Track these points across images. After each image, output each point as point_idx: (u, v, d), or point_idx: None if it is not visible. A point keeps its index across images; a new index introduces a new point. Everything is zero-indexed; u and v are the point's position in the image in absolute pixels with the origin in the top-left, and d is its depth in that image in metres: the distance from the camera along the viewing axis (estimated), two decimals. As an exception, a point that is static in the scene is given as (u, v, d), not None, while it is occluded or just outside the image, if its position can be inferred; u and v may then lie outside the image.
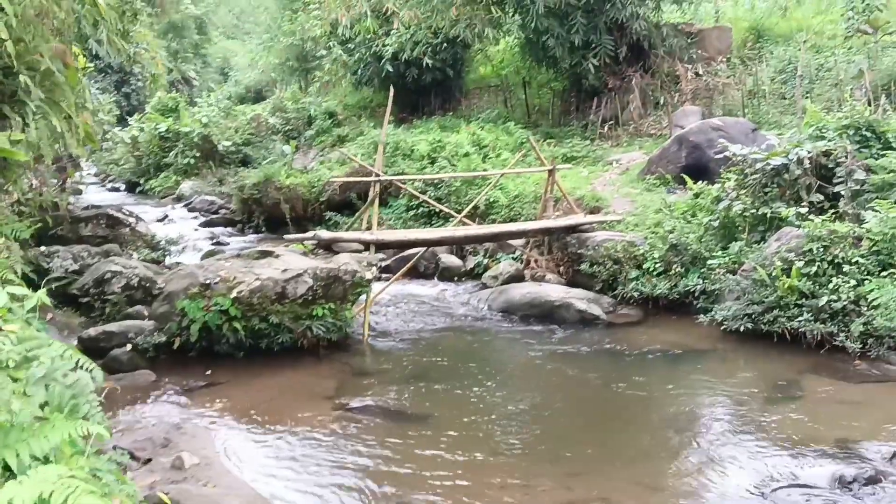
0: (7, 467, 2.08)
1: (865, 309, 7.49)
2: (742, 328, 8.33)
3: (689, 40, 17.66)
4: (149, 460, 5.73)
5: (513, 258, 12.02)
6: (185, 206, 18.81)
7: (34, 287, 4.30)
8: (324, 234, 10.02)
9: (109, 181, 25.23)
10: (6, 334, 2.46)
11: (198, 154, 21.15)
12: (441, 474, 5.58)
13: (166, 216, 17.31)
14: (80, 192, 19.65)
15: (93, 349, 8.15)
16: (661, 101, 16.79)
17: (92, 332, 8.39)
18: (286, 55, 26.98)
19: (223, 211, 17.55)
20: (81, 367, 2.86)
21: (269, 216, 15.85)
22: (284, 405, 7.20)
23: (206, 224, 16.64)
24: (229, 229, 16.32)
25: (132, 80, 33.59)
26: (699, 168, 12.21)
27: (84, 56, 11.11)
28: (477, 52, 21.71)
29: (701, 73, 17.11)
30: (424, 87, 19.81)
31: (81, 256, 10.09)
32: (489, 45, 21.88)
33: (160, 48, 18.22)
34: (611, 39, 16.56)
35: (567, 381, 7.98)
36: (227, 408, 7.06)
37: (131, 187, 23.25)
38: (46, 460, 2.52)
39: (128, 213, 13.16)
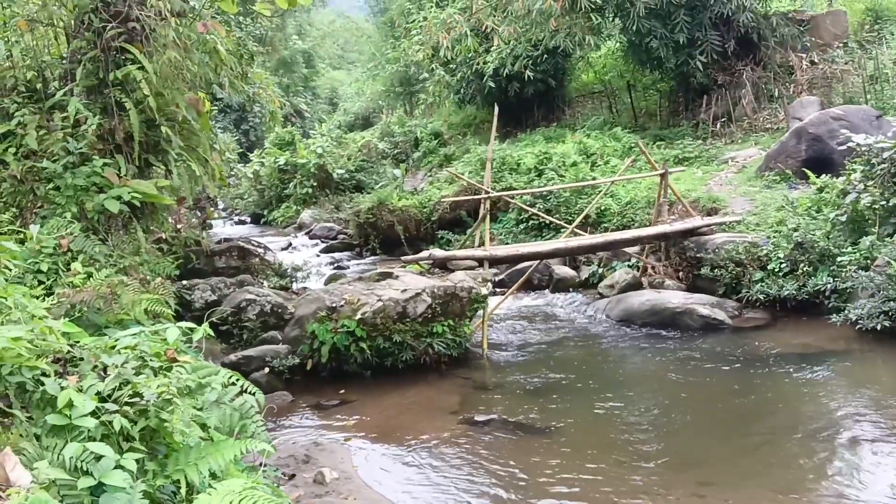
0: (189, 483, 2.38)
1: None
2: (879, 327, 7.94)
3: (800, 28, 16.93)
4: (293, 476, 6.11)
5: (628, 266, 11.91)
6: (306, 233, 19.69)
7: (180, 318, 4.75)
8: (438, 253, 10.31)
9: (236, 214, 26.72)
10: (182, 364, 2.80)
11: (314, 183, 22.11)
12: (569, 484, 5.65)
13: (290, 244, 18.18)
14: (211, 227, 20.95)
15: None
16: (776, 94, 16.17)
17: (233, 357, 8.94)
18: (390, 81, 27.83)
19: (341, 236, 18.25)
20: (246, 391, 3.17)
21: (385, 238, 16.38)
22: (412, 420, 7.45)
23: (326, 250, 17.37)
24: (348, 253, 16.97)
25: (250, 118, 35.43)
26: (821, 161, 11.71)
27: (207, 99, 11.97)
28: (578, 60, 21.64)
29: (816, 61, 16.35)
30: (527, 99, 19.93)
31: (218, 288, 10.79)
32: (590, 52, 21.76)
33: (273, 84, 19.25)
34: (717, 35, 16.14)
35: (694, 389, 7.85)
36: (360, 424, 7.39)
37: (256, 219, 24.54)
38: (214, 476, 2.82)
39: (256, 244, 13.95)
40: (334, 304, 8.84)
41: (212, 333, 3.43)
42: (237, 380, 3.19)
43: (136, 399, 2.53)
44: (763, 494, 5.23)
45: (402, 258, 10.56)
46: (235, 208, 26.76)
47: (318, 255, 16.72)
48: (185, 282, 10.44)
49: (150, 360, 2.78)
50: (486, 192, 10.47)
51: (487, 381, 8.66)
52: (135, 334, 2.88)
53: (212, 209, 12.55)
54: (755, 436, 6.47)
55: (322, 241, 18.38)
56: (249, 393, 3.19)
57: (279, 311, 9.80)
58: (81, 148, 6.06)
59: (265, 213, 23.74)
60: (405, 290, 8.95)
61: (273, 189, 23.48)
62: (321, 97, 46.40)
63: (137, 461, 2.37)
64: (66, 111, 6.23)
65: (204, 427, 3.08)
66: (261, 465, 5.89)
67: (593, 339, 9.80)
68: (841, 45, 16.56)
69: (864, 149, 9.40)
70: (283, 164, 23.06)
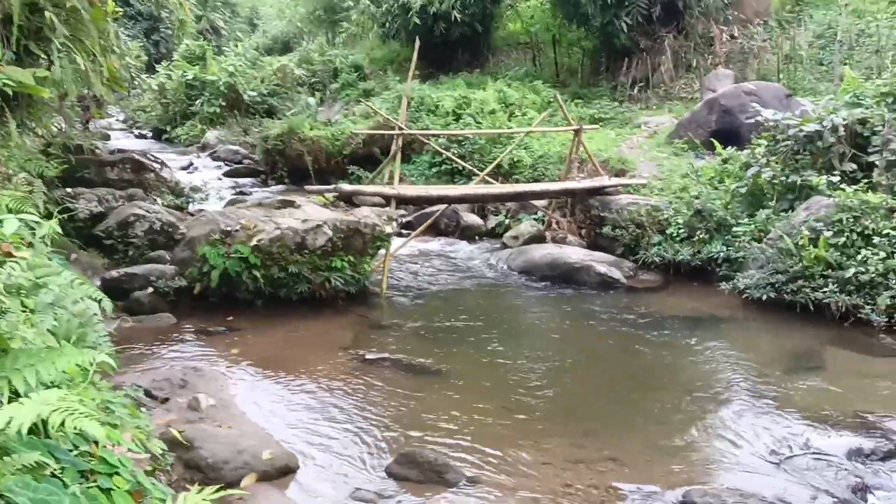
0: (16, 392, 2.10)
1: (894, 282, 7.31)
2: (765, 297, 8.20)
3: (725, 1, 17.15)
4: (166, 399, 5.81)
5: (534, 219, 11.92)
6: (210, 154, 18.82)
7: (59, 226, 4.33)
8: (345, 186, 10.00)
9: (136, 128, 25.31)
10: (17, 260, 2.46)
11: (223, 103, 21.11)
12: (453, 427, 5.60)
13: (191, 164, 17.34)
14: (107, 138, 19.78)
15: (115, 290, 8.23)
16: (694, 64, 16.40)
17: (115, 273, 8.50)
18: (314, 5, 26.71)
19: (247, 161, 17.52)
20: (91, 298, 2.86)
21: (292, 168, 15.81)
22: (301, 353, 7.25)
23: (229, 173, 16.66)
24: (252, 179, 16.33)
25: (161, 28, 33.40)
26: (730, 133, 11.96)
27: (113, 0, 11.04)
28: (507, 8, 21.30)
29: (736, 35, 16.64)
30: (452, 42, 19.49)
31: (106, 199, 10.16)
32: (519, 1, 21.46)
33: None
34: (645, -2, 16.15)
35: (585, 343, 7.96)
36: (245, 353, 7.13)
37: (158, 134, 23.31)
38: (56, 387, 2.53)
39: (153, 158, 13.20)
40: (229, 228, 8.43)
41: (59, 231, 3.08)
42: (81, 283, 2.87)
43: (-45, 293, 2.21)
44: (640, 448, 5.33)
45: (307, 188, 10.17)
46: (137, 121, 25.35)
47: (220, 179, 16.02)
48: (69, 189, 9.76)
49: (-20, 252, 2.44)
50: (400, 129, 10.17)
51: (383, 321, 8.51)
52: (-32, 224, 2.52)
53: (98, 111, 11.69)
54: (640, 392, 6.60)
55: (226, 164, 17.62)
56: (95, 300, 2.88)
57: (170, 230, 9.33)
58: (-52, 24, 5.39)
59: (168, 129, 22.54)
60: (306, 221, 8.62)
61: (178, 104, 22.28)
62: (240, 16, 44.15)
63: (-49, 365, 2.08)
64: (-67, -20, 5.52)
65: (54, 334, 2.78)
66: (132, 385, 5.58)
67: (493, 287, 9.79)
68: (761, 22, 16.90)
69: (771, 124, 9.61)
70: (191, 79, 21.87)
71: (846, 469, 4.78)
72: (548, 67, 19.63)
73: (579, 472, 4.88)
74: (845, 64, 13.65)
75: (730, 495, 4.35)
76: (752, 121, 10.60)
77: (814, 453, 5.01)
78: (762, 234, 8.88)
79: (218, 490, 2.92)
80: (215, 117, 21.06)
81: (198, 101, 21.60)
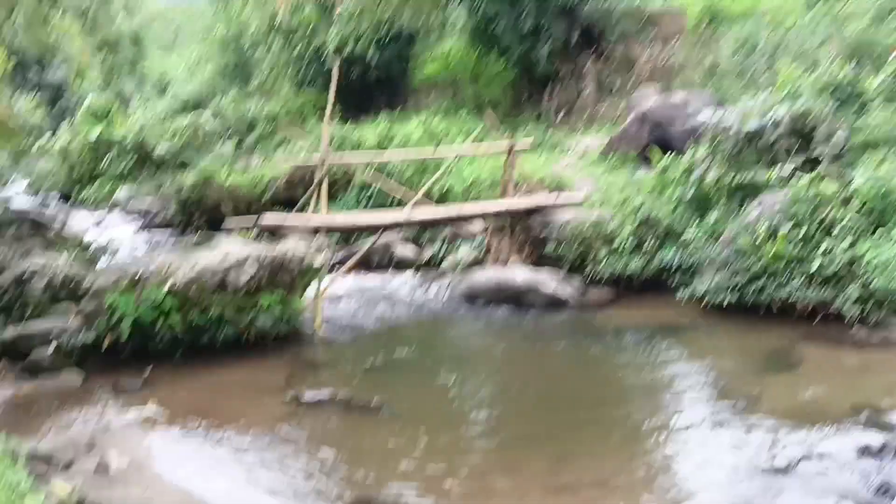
0: None
1: (861, 271, 6.94)
2: (725, 302, 7.75)
3: (641, 22, 17.25)
4: (70, 464, 4.89)
5: (473, 245, 11.28)
6: (122, 211, 17.71)
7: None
8: (268, 217, 9.16)
9: (43, 192, 23.85)
10: None
11: (134, 159, 19.98)
12: (412, 465, 4.86)
13: (101, 221, 16.21)
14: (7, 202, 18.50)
15: (12, 352, 7.37)
16: (617, 85, 16.35)
17: (9, 333, 7.47)
18: (225, 62, 26.10)
19: (162, 215, 16.45)
20: None
21: (210, 217, 14.82)
22: (229, 402, 6.42)
23: (145, 227, 15.60)
24: (170, 230, 15.29)
25: (66, 95, 32.21)
26: (662, 145, 11.69)
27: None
28: (423, 51, 21.09)
29: (657, 54, 16.70)
30: (369, 85, 19.13)
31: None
32: (435, 44, 21.25)
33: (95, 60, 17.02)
34: (561, 25, 16.07)
35: (540, 366, 7.36)
36: (165, 409, 6.21)
37: (65, 198, 21.92)
38: None
39: (53, 217, 12.19)
40: (140, 273, 7.51)
41: None
42: None
43: None
44: (622, 469, 4.78)
45: (227, 221, 9.30)
46: (41, 186, 23.89)
47: (134, 234, 14.93)
48: (-44, 249, 8.69)
49: None
50: (323, 160, 9.44)
51: (319, 360, 7.76)
52: None
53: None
54: (610, 410, 6.01)
55: (140, 219, 16.53)
56: None
57: (73, 284, 8.32)
58: None
59: (75, 191, 21.19)
60: (226, 257, 7.76)
61: (84, 165, 20.94)
62: (149, 81, 42.94)
63: None
64: None
65: None
66: (27, 451, 4.64)
67: (435, 317, 9.12)
68: (680, 39, 16.98)
69: (712, 125, 9.33)
70: (97, 137, 20.65)
71: (859, 469, 4.22)
72: (469, 102, 19.34)
73: (565, 502, 4.18)
74: (766, 73, 13.71)
75: (745, 510, 3.73)
76: (685, 128, 10.37)
77: (820, 455, 4.43)
78: (714, 237, 8.49)
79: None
80: (125, 175, 19.86)
81: (105, 160, 20.38)
